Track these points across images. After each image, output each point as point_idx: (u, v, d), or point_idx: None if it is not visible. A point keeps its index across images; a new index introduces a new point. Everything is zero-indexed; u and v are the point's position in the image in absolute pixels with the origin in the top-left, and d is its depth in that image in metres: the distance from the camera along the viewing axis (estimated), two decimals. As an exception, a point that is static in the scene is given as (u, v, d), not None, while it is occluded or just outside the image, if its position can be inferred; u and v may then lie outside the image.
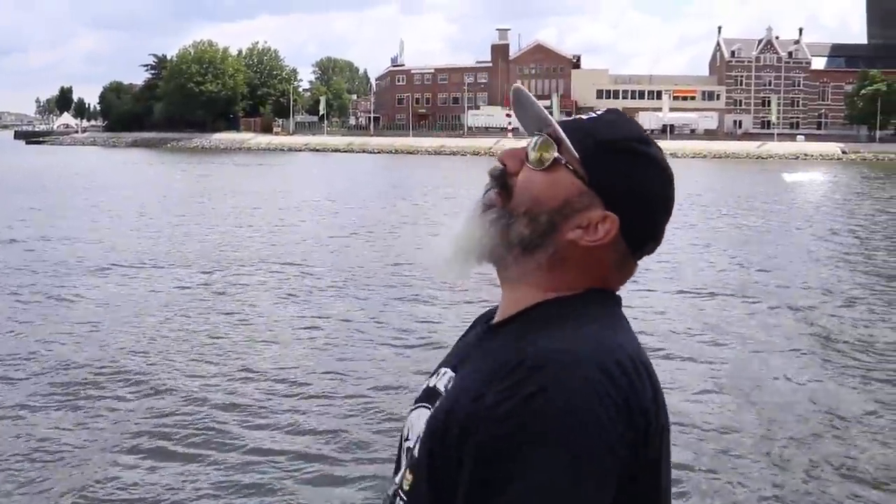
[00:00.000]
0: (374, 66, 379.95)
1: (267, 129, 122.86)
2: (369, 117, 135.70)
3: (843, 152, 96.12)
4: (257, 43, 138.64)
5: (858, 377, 10.85)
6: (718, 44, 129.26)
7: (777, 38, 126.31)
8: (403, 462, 1.53)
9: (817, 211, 35.13)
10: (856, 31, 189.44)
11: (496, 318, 1.53)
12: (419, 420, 1.51)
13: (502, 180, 1.48)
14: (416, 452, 1.45)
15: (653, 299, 15.24)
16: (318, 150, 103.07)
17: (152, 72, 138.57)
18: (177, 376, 10.60)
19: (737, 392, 10.19)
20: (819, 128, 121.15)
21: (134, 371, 10.80)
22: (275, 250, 21.82)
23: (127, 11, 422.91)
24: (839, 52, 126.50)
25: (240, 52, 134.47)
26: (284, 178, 55.25)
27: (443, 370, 1.56)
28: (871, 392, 10.23)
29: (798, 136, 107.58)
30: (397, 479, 1.52)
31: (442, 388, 1.51)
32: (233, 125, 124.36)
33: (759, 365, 11.46)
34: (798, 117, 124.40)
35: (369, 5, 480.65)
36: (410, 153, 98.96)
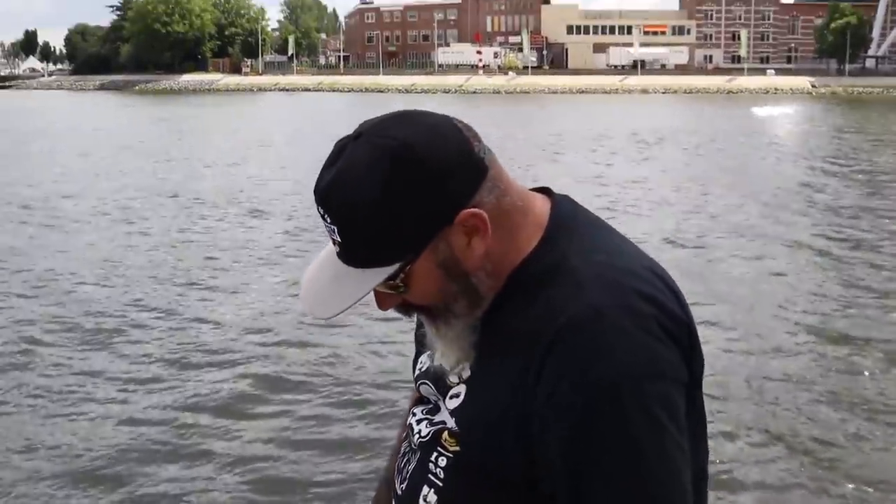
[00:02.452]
0: (342, 4, 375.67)
1: (236, 70, 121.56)
2: (339, 56, 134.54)
3: (813, 86, 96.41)
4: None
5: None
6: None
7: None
8: (423, 429, 1.47)
9: (791, 146, 35.29)
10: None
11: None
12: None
13: (408, 308, 1.42)
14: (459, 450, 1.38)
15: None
16: (287, 90, 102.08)
17: (118, 13, 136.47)
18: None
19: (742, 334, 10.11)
20: (789, 62, 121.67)
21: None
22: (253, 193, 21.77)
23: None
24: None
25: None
26: (260, 119, 54.73)
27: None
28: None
29: (768, 71, 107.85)
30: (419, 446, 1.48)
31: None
32: (201, 66, 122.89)
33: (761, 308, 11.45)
34: (768, 51, 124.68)
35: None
36: (381, 92, 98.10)
